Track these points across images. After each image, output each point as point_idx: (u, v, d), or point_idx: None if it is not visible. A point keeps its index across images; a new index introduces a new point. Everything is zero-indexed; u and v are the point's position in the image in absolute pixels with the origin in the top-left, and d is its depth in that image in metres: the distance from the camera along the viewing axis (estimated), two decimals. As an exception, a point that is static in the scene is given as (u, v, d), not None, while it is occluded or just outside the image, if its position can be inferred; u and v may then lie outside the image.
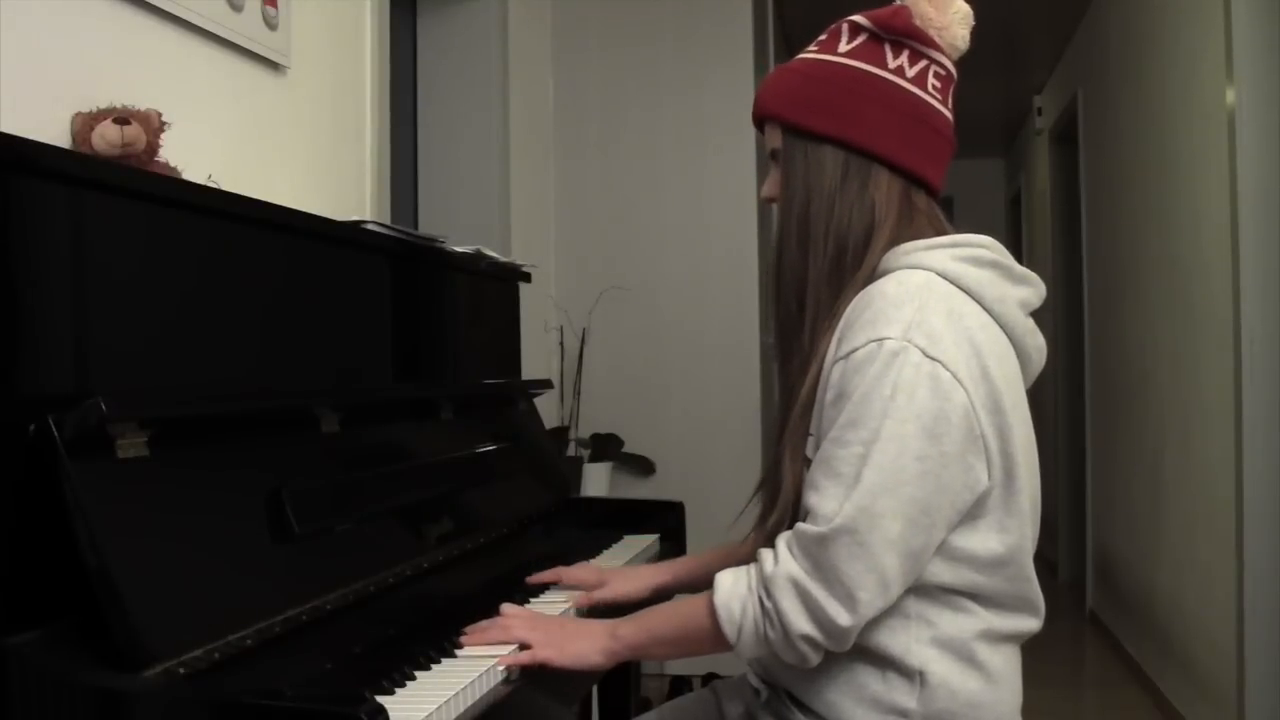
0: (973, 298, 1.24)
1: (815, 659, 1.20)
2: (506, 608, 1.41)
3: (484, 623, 1.38)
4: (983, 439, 1.19)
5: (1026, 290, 1.30)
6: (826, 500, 1.16)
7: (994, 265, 1.27)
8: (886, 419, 1.15)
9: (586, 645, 1.33)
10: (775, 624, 1.19)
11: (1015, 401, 1.24)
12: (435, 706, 1.13)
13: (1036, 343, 1.31)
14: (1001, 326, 1.26)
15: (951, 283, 1.24)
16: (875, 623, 1.20)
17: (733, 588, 1.23)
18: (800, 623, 1.17)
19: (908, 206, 1.30)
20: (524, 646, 1.33)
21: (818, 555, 1.16)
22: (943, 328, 1.18)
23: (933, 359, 1.16)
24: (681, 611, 1.31)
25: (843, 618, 1.15)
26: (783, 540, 1.21)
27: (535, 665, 1.32)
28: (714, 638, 1.24)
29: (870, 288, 1.24)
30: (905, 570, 1.17)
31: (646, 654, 1.36)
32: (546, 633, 1.35)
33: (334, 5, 2.28)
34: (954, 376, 1.17)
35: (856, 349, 1.19)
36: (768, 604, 1.19)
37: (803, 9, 4.61)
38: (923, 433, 1.15)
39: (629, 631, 1.33)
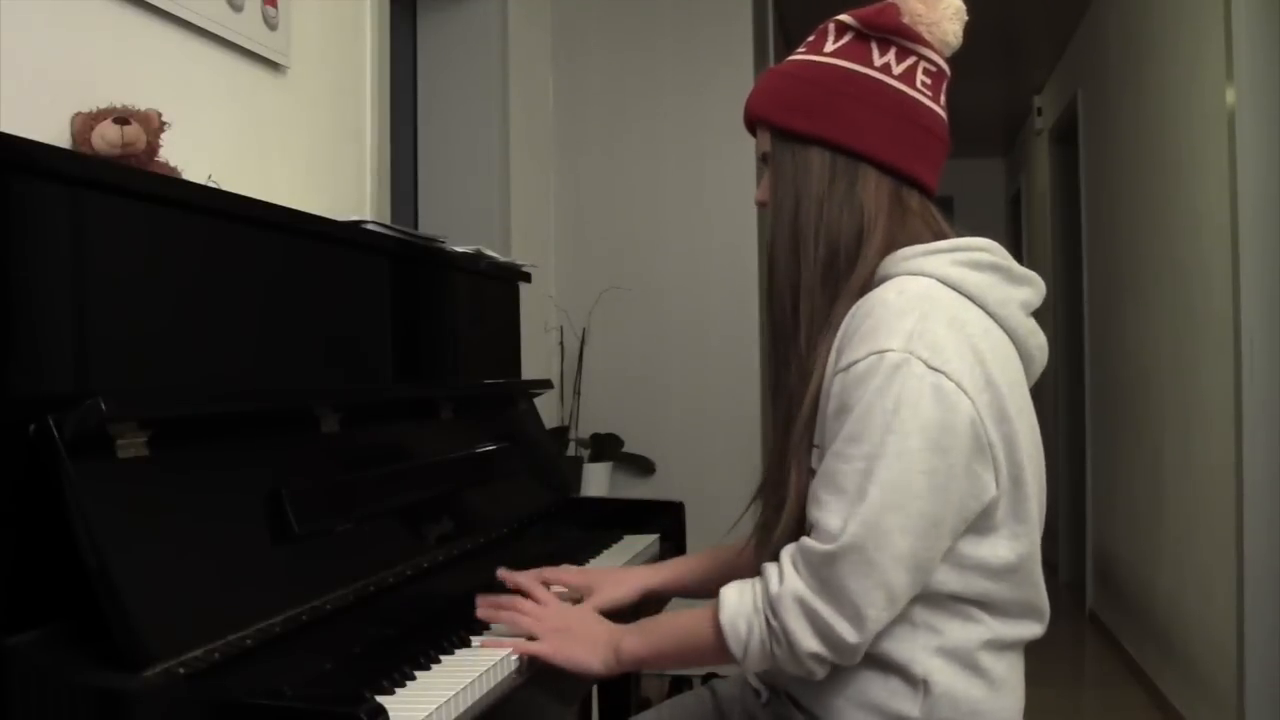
0: (975, 303, 1.22)
1: (822, 673, 1.19)
2: (537, 591, 1.46)
3: (504, 599, 1.42)
4: (990, 448, 1.16)
5: (1028, 291, 1.28)
6: (831, 516, 1.14)
7: (994, 268, 1.25)
8: (890, 434, 1.12)
9: (586, 653, 1.34)
10: (782, 643, 1.17)
11: (1020, 407, 1.22)
12: (435, 706, 1.13)
13: (1038, 342, 1.30)
14: (1004, 330, 1.24)
15: (953, 289, 1.21)
16: (881, 629, 1.18)
17: (738, 605, 1.21)
18: (808, 641, 1.15)
19: (899, 207, 1.27)
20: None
21: (824, 573, 1.14)
22: (945, 337, 1.16)
23: (936, 370, 1.14)
24: (687, 627, 1.29)
25: (851, 635, 1.14)
26: (787, 555, 1.19)
27: (537, 658, 1.34)
28: (719, 653, 1.23)
29: (869, 296, 1.21)
30: (913, 583, 1.15)
31: (648, 666, 1.38)
32: (554, 628, 1.36)
33: (334, 5, 2.28)
34: (958, 387, 1.14)
35: (857, 361, 1.16)
36: (774, 623, 1.17)
37: (803, 9, 4.61)
38: (929, 446, 1.13)
39: (633, 644, 1.33)
